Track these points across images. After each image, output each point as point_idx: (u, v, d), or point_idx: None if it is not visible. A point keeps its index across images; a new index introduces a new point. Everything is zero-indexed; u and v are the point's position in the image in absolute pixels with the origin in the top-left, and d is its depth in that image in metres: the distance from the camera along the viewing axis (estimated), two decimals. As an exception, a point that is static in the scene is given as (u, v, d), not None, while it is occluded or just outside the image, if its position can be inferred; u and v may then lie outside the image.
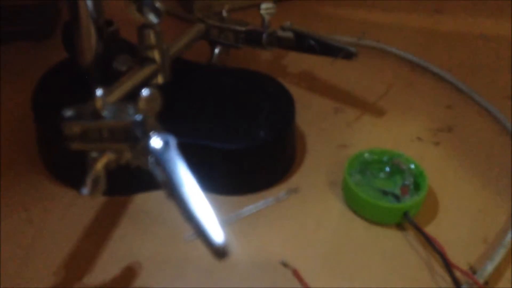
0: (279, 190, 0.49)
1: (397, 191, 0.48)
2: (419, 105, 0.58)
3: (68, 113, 0.40)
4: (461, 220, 0.48)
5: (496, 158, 0.53)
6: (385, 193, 0.48)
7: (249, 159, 0.49)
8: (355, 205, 0.48)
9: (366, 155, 0.50)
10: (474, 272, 0.43)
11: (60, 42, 0.52)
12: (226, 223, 0.31)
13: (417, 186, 0.48)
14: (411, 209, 0.46)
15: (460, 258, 0.44)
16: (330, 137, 0.54)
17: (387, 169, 0.49)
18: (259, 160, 0.49)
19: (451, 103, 0.58)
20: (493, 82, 0.61)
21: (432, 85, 0.61)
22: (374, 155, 0.50)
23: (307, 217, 0.48)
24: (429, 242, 0.45)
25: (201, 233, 0.31)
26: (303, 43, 0.54)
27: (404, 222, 0.46)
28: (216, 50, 0.56)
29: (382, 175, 0.49)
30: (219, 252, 0.30)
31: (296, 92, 0.54)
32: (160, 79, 0.49)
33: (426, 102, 0.59)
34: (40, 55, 0.60)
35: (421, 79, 0.61)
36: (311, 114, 0.56)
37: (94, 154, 0.41)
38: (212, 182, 0.46)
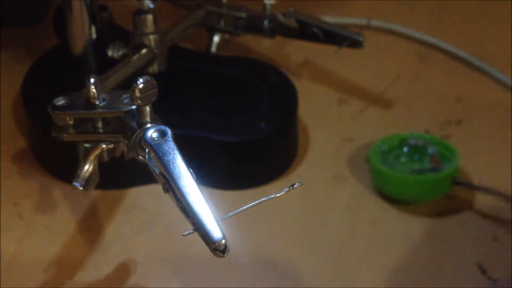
0: (281, 185, 0.49)
1: (428, 164, 0.48)
2: (427, 97, 0.58)
3: (60, 101, 0.40)
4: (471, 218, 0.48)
5: (509, 155, 0.53)
6: (419, 171, 0.47)
7: (249, 152, 0.49)
8: (399, 190, 0.47)
9: (384, 146, 0.50)
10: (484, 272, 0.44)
11: (52, 28, 0.52)
12: (226, 218, 0.31)
13: (442, 156, 0.48)
14: (456, 173, 0.47)
15: (469, 256, 0.44)
16: (334, 130, 0.54)
17: (405, 149, 0.49)
18: (259, 153, 0.49)
19: (462, 95, 0.58)
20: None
21: (441, 76, 0.60)
22: (386, 144, 0.50)
23: (310, 213, 0.48)
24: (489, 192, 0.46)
25: (199, 229, 0.31)
26: (306, 30, 0.53)
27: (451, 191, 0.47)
28: (215, 38, 0.56)
29: (403, 159, 0.49)
30: (218, 249, 0.30)
31: (299, 82, 0.54)
32: (156, 67, 0.49)
33: (435, 93, 0.59)
34: (31, 42, 0.59)
35: (430, 70, 0.61)
36: (314, 105, 0.56)
37: (86, 145, 0.41)
38: (210, 176, 0.46)
